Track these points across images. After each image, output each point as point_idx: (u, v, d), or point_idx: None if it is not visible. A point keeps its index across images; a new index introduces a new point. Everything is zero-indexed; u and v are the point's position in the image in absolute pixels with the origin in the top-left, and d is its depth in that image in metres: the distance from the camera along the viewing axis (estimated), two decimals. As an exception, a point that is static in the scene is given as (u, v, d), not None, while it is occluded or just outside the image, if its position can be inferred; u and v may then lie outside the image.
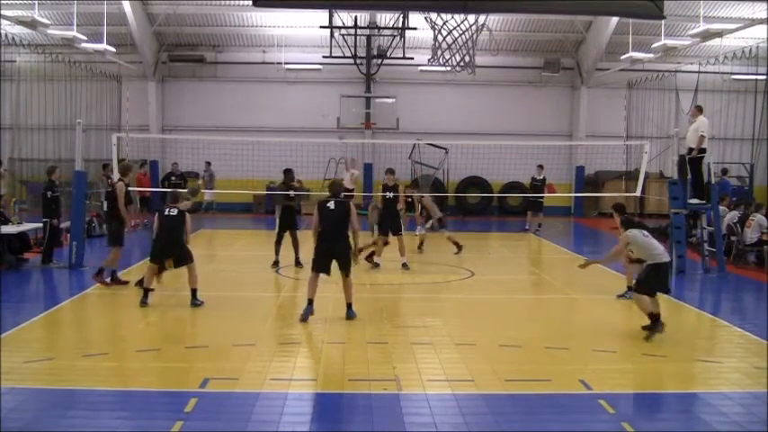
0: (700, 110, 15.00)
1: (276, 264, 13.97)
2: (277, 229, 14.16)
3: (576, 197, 27.12)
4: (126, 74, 26.13)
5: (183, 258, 10.86)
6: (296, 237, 14.07)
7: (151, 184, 23.76)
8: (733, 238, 15.95)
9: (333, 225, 9.89)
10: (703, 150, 14.53)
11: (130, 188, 20.74)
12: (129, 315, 10.45)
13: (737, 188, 22.98)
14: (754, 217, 15.75)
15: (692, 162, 14.66)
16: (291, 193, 14.29)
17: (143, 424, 6.08)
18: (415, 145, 25.20)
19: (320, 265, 9.93)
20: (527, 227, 21.91)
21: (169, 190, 18.02)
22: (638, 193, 18.00)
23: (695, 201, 14.85)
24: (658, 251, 9.45)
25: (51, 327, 9.79)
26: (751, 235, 15.58)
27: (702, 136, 14.40)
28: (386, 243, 14.46)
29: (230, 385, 7.02)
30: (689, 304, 11.75)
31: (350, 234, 10.15)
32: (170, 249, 10.80)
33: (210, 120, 27.08)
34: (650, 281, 9.38)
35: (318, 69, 27.02)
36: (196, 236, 14.52)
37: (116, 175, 13.34)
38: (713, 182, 15.14)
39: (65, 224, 15.27)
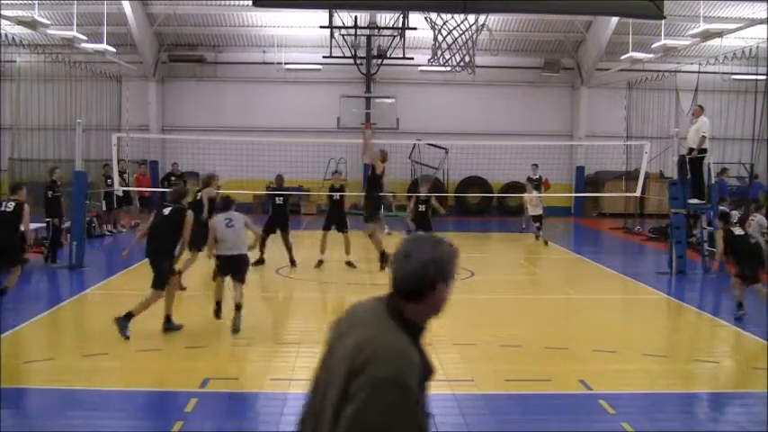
0: (701, 110, 15.00)
1: (259, 262, 13.82)
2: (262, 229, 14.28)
3: (576, 197, 27.11)
4: (126, 74, 26.12)
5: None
6: (286, 238, 14.16)
7: (151, 184, 23.76)
8: (733, 239, 15.93)
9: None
10: (704, 151, 14.53)
11: (131, 188, 20.93)
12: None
13: (737, 188, 22.95)
14: (754, 217, 15.74)
15: (692, 162, 14.67)
16: (279, 198, 14.50)
17: (143, 424, 6.09)
18: (415, 145, 25.19)
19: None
20: (524, 226, 21.91)
21: (169, 190, 18.06)
22: (638, 193, 18.02)
23: (695, 201, 14.85)
24: None
25: (51, 327, 9.79)
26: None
27: (703, 136, 14.41)
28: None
29: (230, 385, 7.02)
30: (689, 304, 11.74)
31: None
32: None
33: (210, 120, 27.06)
34: None
35: (318, 69, 27.00)
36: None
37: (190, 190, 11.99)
38: (713, 182, 15.16)
39: (65, 224, 15.26)
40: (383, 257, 13.87)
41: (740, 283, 10.54)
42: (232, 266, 9.68)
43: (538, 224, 19.16)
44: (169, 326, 9.18)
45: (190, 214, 9.46)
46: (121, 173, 19.44)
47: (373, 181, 14.31)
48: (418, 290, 2.53)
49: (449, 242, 2.64)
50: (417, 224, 15.09)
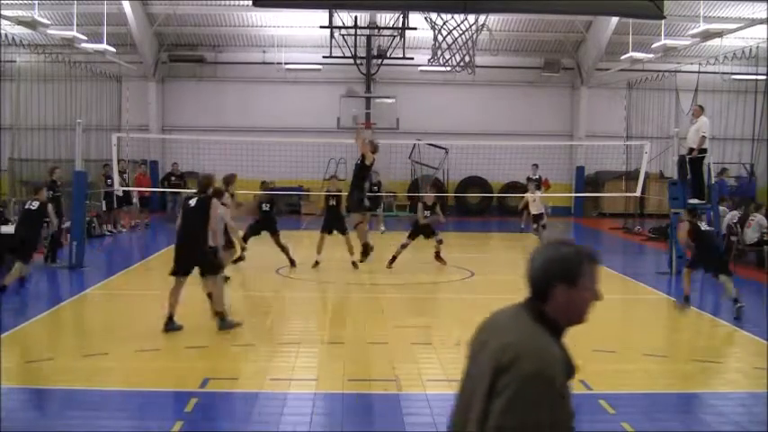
0: (701, 110, 15.01)
1: (239, 259, 13.84)
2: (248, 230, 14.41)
3: (575, 197, 27.11)
4: (126, 74, 26.12)
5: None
6: (278, 241, 14.20)
7: (151, 184, 23.75)
8: (733, 238, 15.95)
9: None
10: (704, 151, 14.54)
11: (131, 188, 20.92)
12: (129, 315, 10.44)
13: (735, 188, 22.95)
14: (754, 217, 15.75)
15: (692, 162, 14.67)
16: (266, 204, 14.54)
17: (143, 424, 6.08)
18: (415, 145, 25.18)
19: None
20: (523, 226, 21.92)
21: (169, 190, 18.06)
22: (638, 193, 18.01)
23: (695, 201, 14.85)
24: None
25: (51, 327, 9.79)
26: (751, 235, 15.57)
27: (703, 136, 14.41)
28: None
29: (230, 385, 7.02)
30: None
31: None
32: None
33: (210, 120, 27.06)
34: None
35: (318, 69, 27.00)
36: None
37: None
38: (713, 182, 15.17)
39: (65, 224, 15.25)
40: (365, 250, 13.88)
41: (689, 272, 11.28)
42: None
43: (536, 225, 19.05)
44: (170, 326, 9.13)
45: (215, 202, 9.55)
46: (121, 173, 19.43)
47: (361, 171, 14.22)
48: (539, 289, 2.67)
49: (580, 246, 2.69)
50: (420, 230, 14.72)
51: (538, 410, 2.40)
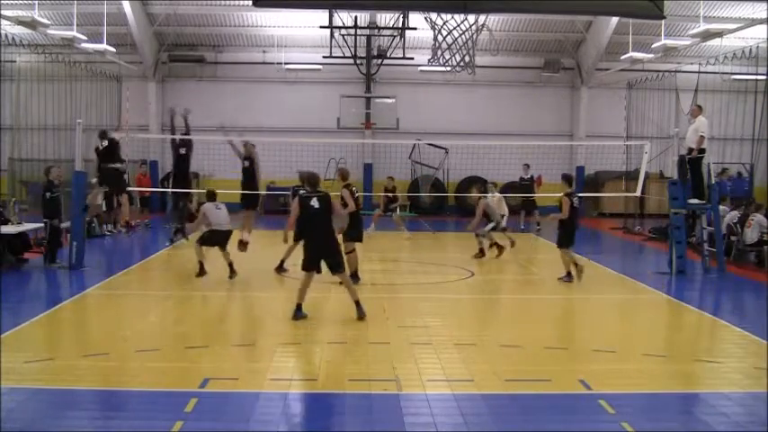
0: (700, 110, 15.00)
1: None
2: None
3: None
4: (126, 74, 26.11)
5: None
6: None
7: (151, 184, 23.74)
8: (733, 238, 15.95)
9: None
10: (703, 150, 14.53)
11: (132, 188, 20.87)
12: (129, 315, 10.45)
13: (730, 188, 22.95)
14: (754, 217, 15.75)
15: (692, 162, 14.67)
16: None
17: (143, 424, 6.08)
18: (415, 145, 25.19)
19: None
20: (523, 227, 21.91)
21: (169, 190, 18.05)
22: (638, 193, 18.00)
23: (695, 201, 14.85)
24: None
25: (51, 327, 9.79)
26: (751, 235, 15.57)
27: (702, 136, 14.41)
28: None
29: (230, 385, 7.02)
30: (689, 304, 11.74)
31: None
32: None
33: (210, 120, 27.01)
34: None
35: (318, 69, 27.00)
36: (194, 235, 14.53)
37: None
38: (713, 182, 15.16)
39: (65, 224, 15.24)
40: (241, 243, 14.01)
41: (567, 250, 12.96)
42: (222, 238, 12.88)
43: (493, 224, 17.87)
44: (299, 314, 9.68)
45: (334, 195, 10.19)
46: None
47: (247, 170, 14.90)
48: None
49: None
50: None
51: None
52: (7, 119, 21.69)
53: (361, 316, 9.74)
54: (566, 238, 13.10)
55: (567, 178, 13.93)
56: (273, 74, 27.17)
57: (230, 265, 12.86)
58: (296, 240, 11.60)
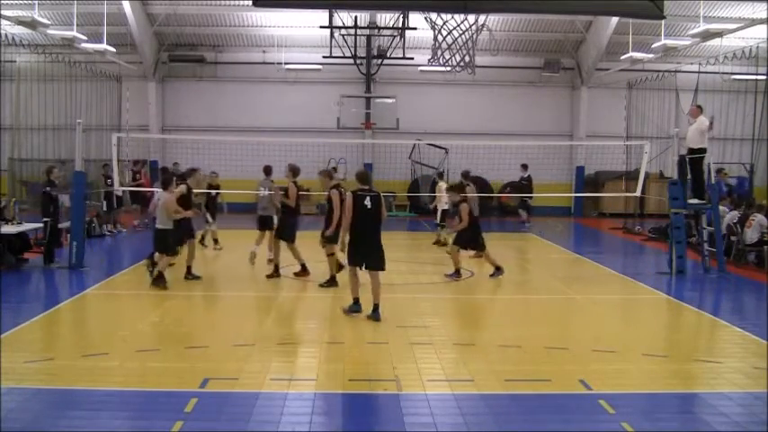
0: (700, 109, 15.00)
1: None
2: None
3: (575, 197, 27.11)
4: (126, 74, 26.14)
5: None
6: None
7: (151, 184, 23.73)
8: (733, 238, 15.95)
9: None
10: (703, 150, 14.53)
11: (132, 188, 20.90)
12: (129, 315, 10.44)
13: (730, 188, 22.97)
14: (755, 217, 15.74)
15: (692, 162, 14.67)
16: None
17: (143, 424, 6.08)
18: (415, 145, 25.20)
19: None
20: (526, 226, 21.97)
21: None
22: (638, 193, 18.02)
23: (695, 201, 14.85)
24: None
25: (51, 327, 9.79)
26: (751, 235, 15.57)
27: (703, 132, 14.42)
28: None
29: (230, 385, 7.02)
30: (689, 304, 11.74)
31: None
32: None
33: (210, 120, 27.08)
34: None
35: (318, 69, 27.02)
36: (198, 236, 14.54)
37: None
38: (713, 182, 15.16)
39: (64, 224, 15.25)
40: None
41: (458, 249, 13.43)
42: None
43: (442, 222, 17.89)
44: (355, 308, 9.92)
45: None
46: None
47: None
48: None
49: None
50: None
51: None
52: (7, 119, 21.72)
53: (375, 318, 9.71)
54: (466, 240, 13.54)
55: (459, 185, 14.60)
56: (273, 74, 27.18)
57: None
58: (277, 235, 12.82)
